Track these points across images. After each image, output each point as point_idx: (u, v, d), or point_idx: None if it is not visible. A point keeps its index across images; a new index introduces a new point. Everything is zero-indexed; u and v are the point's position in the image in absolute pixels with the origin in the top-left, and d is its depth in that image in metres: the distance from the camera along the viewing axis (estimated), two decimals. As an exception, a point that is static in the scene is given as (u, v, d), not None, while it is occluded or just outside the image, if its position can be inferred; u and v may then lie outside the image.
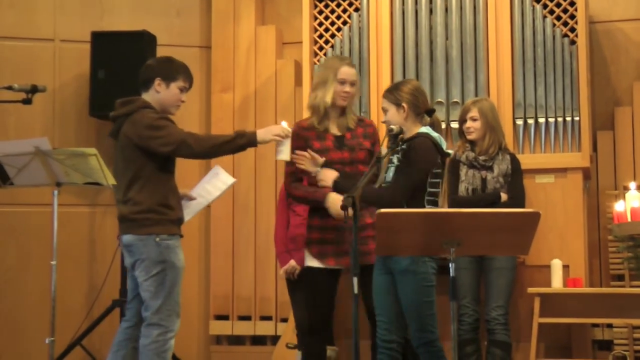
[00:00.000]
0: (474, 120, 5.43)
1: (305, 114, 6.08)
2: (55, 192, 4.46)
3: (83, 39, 6.40)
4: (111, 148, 6.28)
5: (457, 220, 3.78)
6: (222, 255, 6.55)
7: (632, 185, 4.17)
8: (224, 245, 6.56)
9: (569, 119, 5.69)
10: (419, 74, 5.93)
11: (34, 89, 4.70)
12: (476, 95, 5.80)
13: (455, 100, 5.84)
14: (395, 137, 4.39)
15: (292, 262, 5.57)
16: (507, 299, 5.29)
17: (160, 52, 6.43)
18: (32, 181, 4.50)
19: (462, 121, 5.51)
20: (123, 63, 6.22)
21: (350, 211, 3.90)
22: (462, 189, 5.35)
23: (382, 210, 3.86)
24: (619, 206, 4.13)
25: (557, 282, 5.44)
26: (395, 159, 4.38)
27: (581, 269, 5.58)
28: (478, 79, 5.86)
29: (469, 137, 5.46)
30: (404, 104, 4.41)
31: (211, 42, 6.78)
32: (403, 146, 4.37)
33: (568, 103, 5.71)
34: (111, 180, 4.42)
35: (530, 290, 5.42)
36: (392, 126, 4.40)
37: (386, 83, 5.92)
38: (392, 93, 4.46)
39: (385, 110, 4.46)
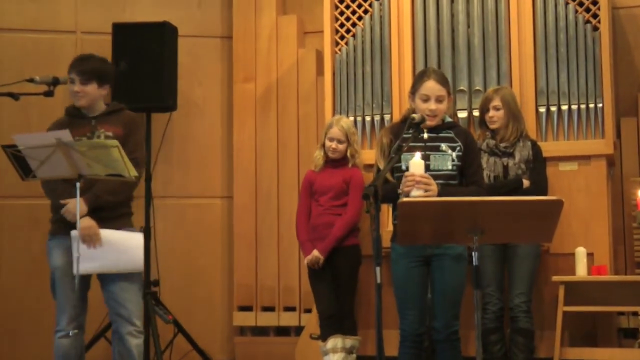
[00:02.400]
0: (497, 109, 5.41)
1: (328, 102, 6.10)
2: (78, 184, 4.46)
3: (104, 31, 6.40)
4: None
5: (479, 208, 3.76)
6: (245, 246, 6.57)
7: (655, 171, 4.14)
8: (247, 236, 6.57)
9: (592, 105, 5.65)
10: (441, 62, 5.91)
11: (56, 81, 4.72)
12: (499, 83, 5.77)
13: (477, 88, 5.81)
14: (417, 126, 4.34)
15: (315, 252, 5.58)
16: (530, 287, 5.27)
17: (182, 43, 6.46)
18: (54, 173, 4.51)
19: (483, 110, 5.48)
20: (144, 54, 6.22)
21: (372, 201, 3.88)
22: (484, 176, 5.32)
23: (404, 199, 3.86)
24: (642, 193, 4.10)
25: (581, 270, 5.41)
26: (444, 146, 4.34)
27: (606, 257, 5.55)
28: (500, 66, 5.83)
29: (492, 126, 5.44)
30: (451, 96, 4.48)
31: (232, 32, 6.79)
32: (450, 133, 4.37)
33: (591, 89, 5.67)
34: (133, 172, 4.43)
35: (555, 278, 5.40)
36: (414, 114, 4.37)
37: (408, 72, 5.92)
38: (448, 84, 4.44)
39: (441, 100, 4.37)
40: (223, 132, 6.83)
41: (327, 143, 5.68)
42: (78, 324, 4.73)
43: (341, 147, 5.65)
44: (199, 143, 6.80)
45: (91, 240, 4.65)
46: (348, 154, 5.66)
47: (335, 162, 5.71)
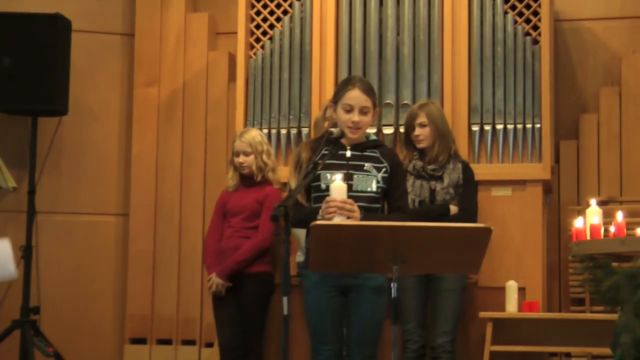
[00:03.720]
0: (423, 126, 5.45)
1: (239, 112, 6.09)
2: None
3: (-14, 21, 6.31)
4: (15, 147, 6.24)
5: (401, 233, 3.79)
6: (141, 270, 6.50)
7: (593, 202, 4.22)
8: (144, 259, 6.51)
9: (529, 126, 5.74)
10: (367, 72, 5.94)
11: None
12: (429, 97, 5.83)
13: (405, 102, 5.86)
14: (336, 141, 4.38)
15: (214, 277, 5.56)
16: (455, 324, 5.32)
17: (76, 38, 6.39)
18: None
19: (409, 128, 5.52)
20: (32, 50, 6.16)
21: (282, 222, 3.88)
22: (409, 201, 5.36)
23: (317, 222, 3.87)
24: (578, 223, 4.17)
25: (511, 306, 5.47)
26: (368, 166, 4.35)
27: (538, 292, 5.62)
28: (431, 79, 5.89)
29: (419, 145, 5.47)
30: (377, 108, 4.50)
31: (135, 30, 6.74)
32: (375, 152, 4.39)
33: (529, 108, 5.76)
34: (11, 183, 4.36)
35: (482, 314, 5.45)
36: (332, 129, 4.40)
37: (330, 81, 5.94)
38: (374, 95, 4.46)
39: (366, 112, 4.40)
40: (120, 142, 6.76)
41: (235, 159, 5.68)
42: None
43: (248, 159, 5.64)
44: (92, 153, 6.71)
45: None
46: (254, 168, 5.65)
47: (250, 181, 5.69)
